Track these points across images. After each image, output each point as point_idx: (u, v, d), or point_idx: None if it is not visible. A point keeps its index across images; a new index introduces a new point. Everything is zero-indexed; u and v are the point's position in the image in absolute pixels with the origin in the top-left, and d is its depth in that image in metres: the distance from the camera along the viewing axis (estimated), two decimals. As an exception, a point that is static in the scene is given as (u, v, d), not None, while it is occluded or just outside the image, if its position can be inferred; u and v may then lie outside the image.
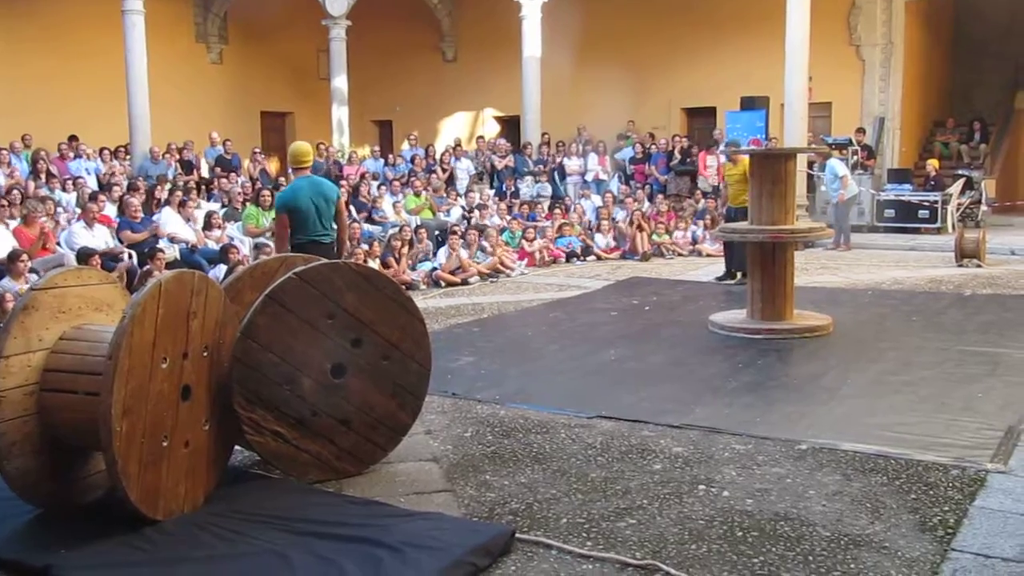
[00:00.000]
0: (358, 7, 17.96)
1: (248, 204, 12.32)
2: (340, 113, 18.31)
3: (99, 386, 3.56)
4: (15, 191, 11.04)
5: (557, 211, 14.47)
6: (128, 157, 15.14)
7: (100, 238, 10.13)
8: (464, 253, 11.75)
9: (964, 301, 9.28)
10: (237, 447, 4.42)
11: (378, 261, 10.76)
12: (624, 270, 12.52)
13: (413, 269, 11.52)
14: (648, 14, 18.44)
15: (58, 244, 9.90)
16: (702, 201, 15.12)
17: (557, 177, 16.88)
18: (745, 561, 3.46)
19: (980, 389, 5.79)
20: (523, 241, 13.11)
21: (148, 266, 9.30)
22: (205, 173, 15.79)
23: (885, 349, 7.06)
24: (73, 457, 3.94)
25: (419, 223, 13.25)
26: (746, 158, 9.68)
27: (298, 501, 4.04)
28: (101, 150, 14.90)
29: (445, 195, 15.15)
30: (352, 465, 4.45)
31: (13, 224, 9.89)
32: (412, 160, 16.63)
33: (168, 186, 12.86)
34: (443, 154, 17.37)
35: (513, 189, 16.38)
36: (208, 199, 13.48)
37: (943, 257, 12.46)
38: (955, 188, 15.41)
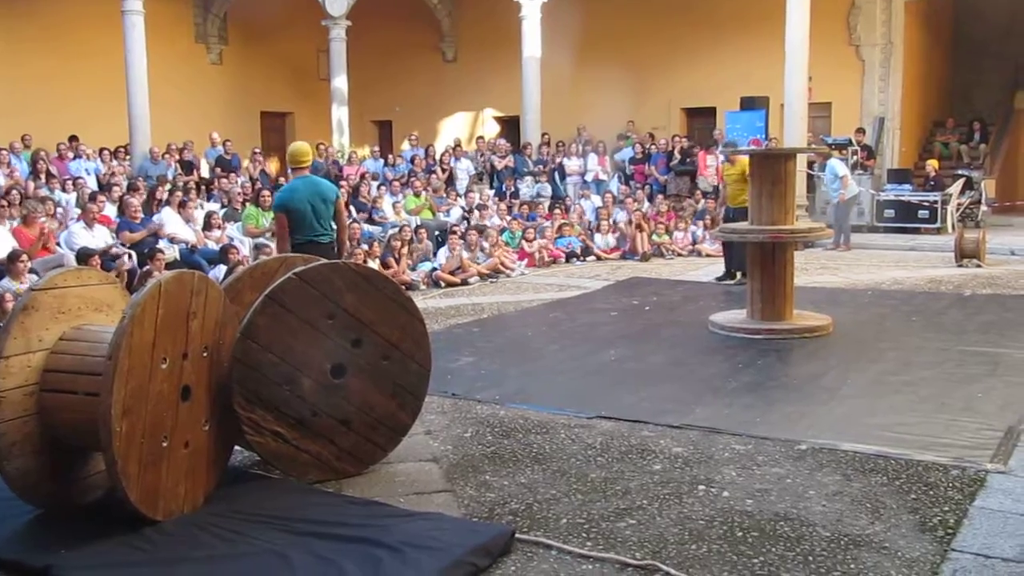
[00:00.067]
0: (358, 7, 17.96)
1: (248, 204, 12.31)
2: (340, 113, 18.31)
3: (99, 386, 3.56)
4: (15, 191, 11.03)
5: (557, 211, 14.46)
6: (128, 157, 15.14)
7: (100, 238, 10.13)
8: (464, 253, 11.75)
9: (964, 301, 9.28)
10: (237, 447, 4.42)
11: (378, 261, 10.76)
12: (624, 270, 12.52)
13: (413, 269, 11.52)
14: (648, 14, 18.43)
15: (58, 244, 9.90)
16: (702, 201, 15.12)
17: (557, 177, 16.86)
18: (745, 561, 3.46)
19: (980, 389, 5.79)
20: (523, 241, 13.10)
21: (148, 266, 9.29)
22: (205, 173, 15.79)
23: (885, 349, 7.06)
24: (73, 457, 3.94)
25: (419, 223, 13.24)
26: (744, 158, 9.69)
27: (298, 501, 4.04)
28: (101, 150, 14.90)
29: (445, 195, 15.14)
30: (352, 465, 4.45)
31: (13, 224, 9.89)
32: (412, 160, 16.61)
33: (168, 186, 12.84)
34: (443, 154, 17.35)
35: (513, 189, 16.36)
36: (208, 199, 13.47)
37: (943, 257, 12.46)
38: (955, 188, 15.41)
